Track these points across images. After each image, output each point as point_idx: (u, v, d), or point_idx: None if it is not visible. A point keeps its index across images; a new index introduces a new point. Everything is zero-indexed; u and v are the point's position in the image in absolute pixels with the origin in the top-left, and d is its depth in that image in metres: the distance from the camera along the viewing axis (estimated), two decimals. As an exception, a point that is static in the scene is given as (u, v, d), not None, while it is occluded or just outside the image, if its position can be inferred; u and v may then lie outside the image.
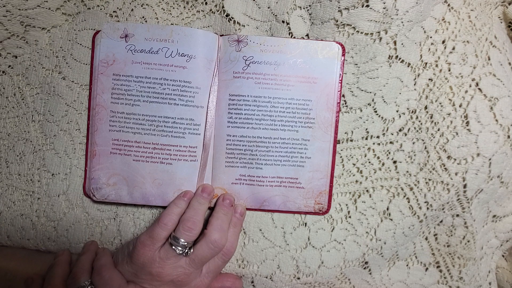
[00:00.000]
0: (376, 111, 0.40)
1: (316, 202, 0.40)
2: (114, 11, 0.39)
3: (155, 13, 0.39)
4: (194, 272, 0.37)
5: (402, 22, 0.37)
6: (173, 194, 0.39)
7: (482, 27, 0.40)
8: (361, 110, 0.40)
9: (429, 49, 0.40)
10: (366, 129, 0.40)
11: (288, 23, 0.38)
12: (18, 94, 0.42)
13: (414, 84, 0.40)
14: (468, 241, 0.42)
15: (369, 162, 0.41)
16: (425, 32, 0.39)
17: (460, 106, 0.39)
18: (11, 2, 0.37)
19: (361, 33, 0.38)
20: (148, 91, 0.38)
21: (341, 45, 0.38)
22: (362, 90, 0.39)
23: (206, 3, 0.39)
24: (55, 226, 0.41)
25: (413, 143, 0.40)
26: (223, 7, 0.39)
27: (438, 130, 0.40)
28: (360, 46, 0.38)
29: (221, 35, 0.39)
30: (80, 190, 0.41)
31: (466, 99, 0.39)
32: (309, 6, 0.38)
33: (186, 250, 0.36)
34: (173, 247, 0.36)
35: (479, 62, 0.40)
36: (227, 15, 0.39)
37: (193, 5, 0.40)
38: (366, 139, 0.41)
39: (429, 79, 0.40)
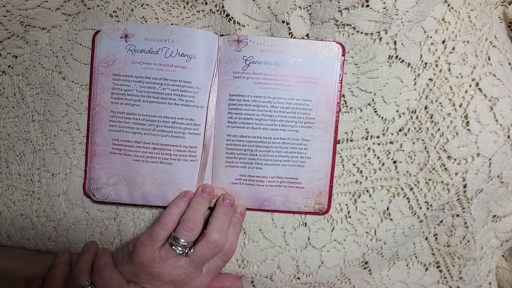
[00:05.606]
0: (376, 111, 0.40)
1: (316, 202, 0.40)
2: (114, 11, 0.39)
3: (155, 13, 0.39)
4: (194, 272, 0.37)
5: (402, 22, 0.37)
6: (173, 194, 0.39)
7: (482, 27, 0.40)
8: (361, 110, 0.40)
9: (429, 49, 0.40)
10: (366, 129, 0.40)
11: (288, 23, 0.38)
12: (18, 94, 0.42)
13: (414, 84, 0.40)
14: (468, 241, 0.42)
15: (369, 162, 0.41)
16: (425, 32, 0.39)
17: (460, 106, 0.39)
18: (11, 2, 0.37)
19: (361, 33, 0.38)
20: (148, 91, 0.38)
21: (341, 45, 0.38)
22: (362, 90, 0.39)
23: (206, 3, 0.39)
24: (55, 226, 0.41)
25: (413, 143, 0.40)
26: (223, 7, 0.39)
27: (438, 130, 0.40)
28: (360, 46, 0.38)
29: (221, 35, 0.39)
30: (80, 190, 0.41)
31: (466, 99, 0.39)
32: (309, 6, 0.38)
33: (186, 250, 0.36)
34: (173, 247, 0.36)
35: (479, 62, 0.40)
36: (227, 15, 0.39)
37: (193, 5, 0.40)
38: (366, 139, 0.41)
39: (429, 79, 0.40)
